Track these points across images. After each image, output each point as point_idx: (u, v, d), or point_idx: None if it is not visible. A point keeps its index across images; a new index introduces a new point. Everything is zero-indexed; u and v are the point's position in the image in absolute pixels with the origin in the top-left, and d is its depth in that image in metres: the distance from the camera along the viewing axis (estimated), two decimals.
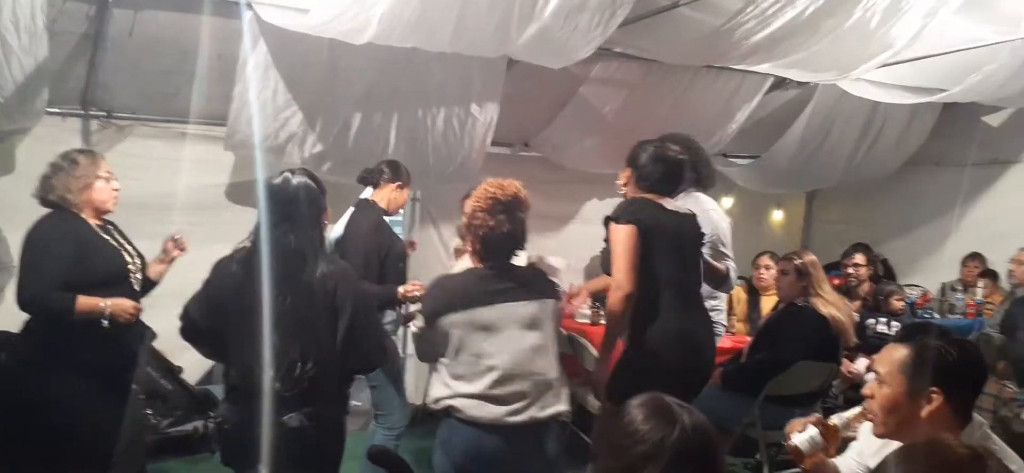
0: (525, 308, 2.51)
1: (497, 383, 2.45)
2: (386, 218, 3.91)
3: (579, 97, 5.18)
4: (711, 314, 3.45)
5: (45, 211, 2.94)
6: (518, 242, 2.57)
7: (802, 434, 1.96)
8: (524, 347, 2.49)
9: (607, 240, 2.99)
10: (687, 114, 5.09)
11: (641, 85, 5.04)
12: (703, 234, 3.15)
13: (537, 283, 2.61)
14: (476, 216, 2.52)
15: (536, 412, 2.48)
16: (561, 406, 2.56)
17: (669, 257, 2.91)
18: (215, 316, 2.44)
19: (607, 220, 2.93)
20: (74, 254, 2.83)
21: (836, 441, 1.97)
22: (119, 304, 2.86)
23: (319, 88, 4.17)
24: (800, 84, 5.36)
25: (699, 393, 3.05)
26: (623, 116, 5.20)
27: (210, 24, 3.73)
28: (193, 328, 2.51)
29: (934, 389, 1.75)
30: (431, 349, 2.59)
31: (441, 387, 2.52)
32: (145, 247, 3.30)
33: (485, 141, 4.81)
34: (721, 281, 3.49)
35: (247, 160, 4.50)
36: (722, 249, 3.56)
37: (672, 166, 3.04)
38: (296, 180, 2.45)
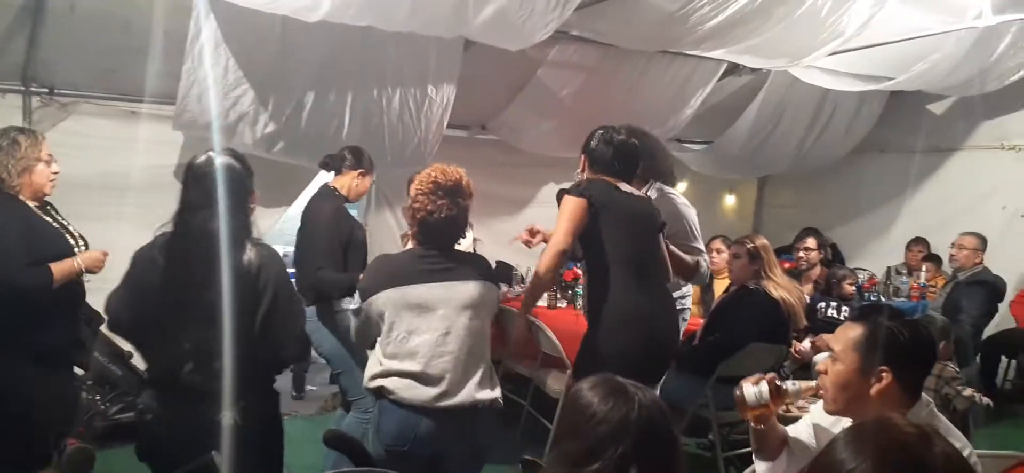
0: (461, 289, 2.49)
1: (428, 364, 2.43)
2: (347, 205, 3.86)
3: (536, 80, 5.17)
4: (678, 302, 3.51)
5: None
6: (459, 228, 2.57)
7: (752, 387, 2.00)
8: (458, 329, 2.46)
9: None
10: (643, 99, 5.13)
11: (598, 69, 5.05)
12: (662, 220, 3.12)
13: (476, 267, 2.60)
14: (417, 200, 2.51)
15: (467, 396, 2.46)
16: (494, 392, 2.55)
17: (624, 235, 2.91)
18: (138, 306, 2.32)
19: (561, 193, 2.95)
20: (27, 233, 2.75)
21: (780, 403, 2.02)
22: (88, 256, 2.85)
23: (271, 66, 4.08)
24: (753, 71, 5.45)
25: (661, 373, 3.10)
26: (580, 100, 5.21)
27: None
28: (117, 321, 2.41)
29: (884, 368, 1.80)
30: (366, 329, 2.55)
31: (374, 366, 2.49)
32: (92, 229, 3.20)
33: (441, 123, 4.77)
34: (691, 273, 3.47)
35: (197, 140, 4.39)
36: (694, 243, 3.56)
37: (624, 149, 3.03)
38: (220, 160, 2.31)
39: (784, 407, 2.12)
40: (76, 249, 2.91)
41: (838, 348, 1.88)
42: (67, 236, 2.92)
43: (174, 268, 2.27)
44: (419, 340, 2.44)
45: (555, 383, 4.45)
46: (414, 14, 3.39)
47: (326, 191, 3.81)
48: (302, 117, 4.34)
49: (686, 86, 5.30)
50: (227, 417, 2.23)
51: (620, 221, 2.91)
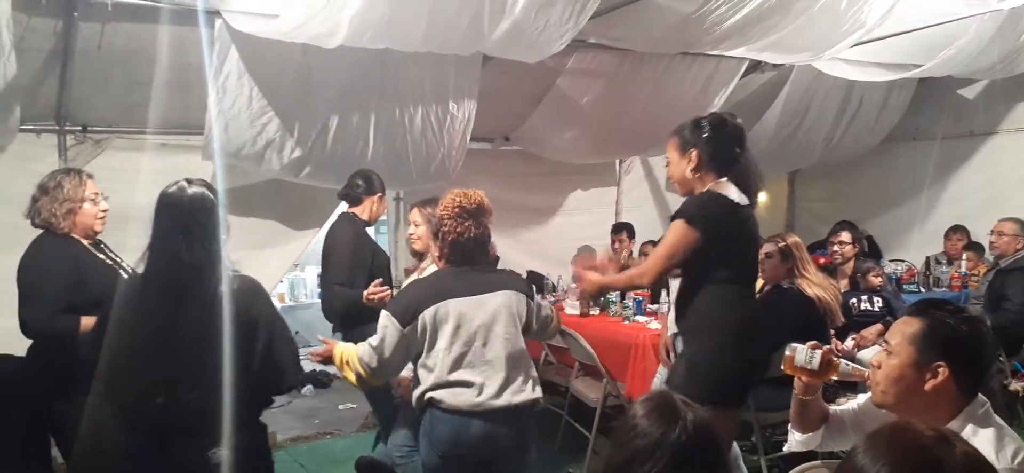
0: (495, 299, 2.63)
1: (473, 371, 2.56)
2: (368, 228, 3.96)
3: (556, 89, 5.18)
4: None
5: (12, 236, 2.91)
6: (484, 245, 2.71)
7: (806, 349, 2.00)
8: (496, 337, 2.60)
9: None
10: (665, 101, 5.11)
11: (617, 75, 5.04)
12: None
13: (506, 278, 2.77)
14: (445, 223, 2.66)
15: (511, 397, 2.58)
16: (536, 392, 2.68)
17: (737, 256, 2.72)
18: (107, 346, 2.22)
19: (675, 217, 2.71)
20: (71, 276, 2.79)
21: (828, 375, 2.01)
22: None
23: (295, 93, 4.14)
24: (776, 66, 5.39)
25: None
26: (601, 106, 5.21)
27: (180, 34, 3.69)
28: (90, 364, 2.30)
29: (941, 363, 1.75)
30: (405, 347, 2.59)
31: (420, 382, 2.61)
32: (130, 260, 3.27)
33: (464, 137, 4.80)
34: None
35: (226, 169, 4.47)
36: None
37: (739, 140, 2.77)
38: (192, 190, 2.24)
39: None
40: None
41: (894, 341, 1.84)
42: (121, 273, 2.97)
43: (153, 308, 2.19)
44: (461, 351, 2.56)
45: (591, 392, 4.44)
46: (430, 34, 3.42)
47: (346, 217, 3.92)
48: (327, 141, 4.40)
49: (708, 86, 5.26)
50: (210, 453, 2.16)
51: (734, 241, 2.70)
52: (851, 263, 5.27)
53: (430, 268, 3.15)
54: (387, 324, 2.57)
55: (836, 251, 5.35)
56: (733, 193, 2.70)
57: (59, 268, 2.79)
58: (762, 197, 7.65)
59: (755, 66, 5.37)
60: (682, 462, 1.41)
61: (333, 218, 4.19)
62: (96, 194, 2.95)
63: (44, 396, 2.84)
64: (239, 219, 4.89)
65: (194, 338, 2.16)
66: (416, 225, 3.38)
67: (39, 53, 3.81)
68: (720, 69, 5.18)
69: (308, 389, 5.89)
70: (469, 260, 2.67)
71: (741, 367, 2.74)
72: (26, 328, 2.77)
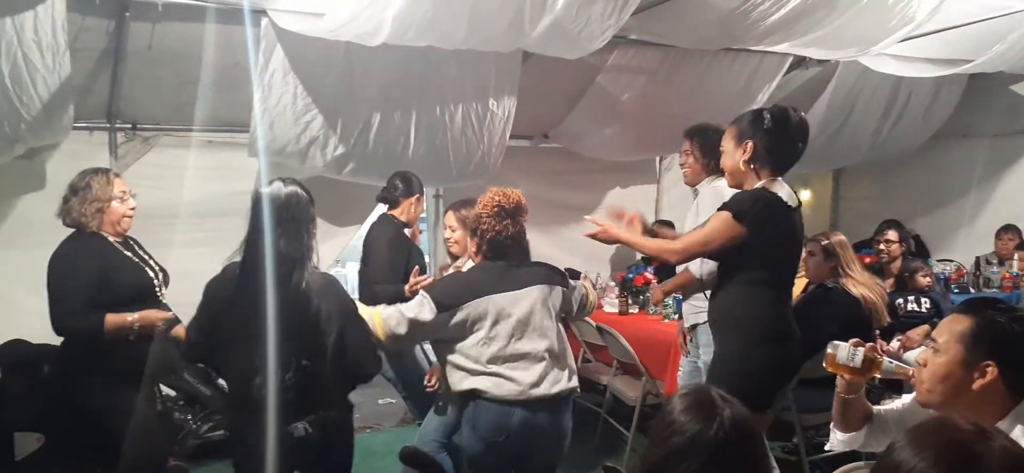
0: (533, 293, 2.73)
1: (512, 362, 2.66)
2: (407, 228, 4.08)
3: (597, 86, 5.16)
4: None
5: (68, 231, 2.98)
6: (519, 242, 2.81)
7: (848, 347, 1.96)
8: (535, 327, 2.71)
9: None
10: (706, 98, 5.06)
11: (659, 71, 5.01)
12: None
13: (541, 272, 2.84)
14: (484, 222, 2.77)
15: (549, 387, 2.69)
16: (573, 382, 2.79)
17: (781, 257, 2.68)
18: (212, 333, 2.48)
19: (723, 206, 2.65)
20: (99, 274, 2.86)
21: (871, 374, 1.98)
22: (146, 316, 2.90)
23: (338, 91, 4.20)
24: (821, 62, 5.30)
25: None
26: (642, 103, 5.17)
27: (227, 33, 3.77)
28: (196, 350, 2.61)
29: (990, 362, 1.71)
30: (423, 334, 2.78)
31: (461, 373, 2.70)
32: (175, 255, 3.35)
33: (504, 135, 4.81)
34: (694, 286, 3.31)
35: (271, 166, 4.55)
36: None
37: (801, 139, 2.67)
38: (287, 189, 2.46)
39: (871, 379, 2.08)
40: (156, 281, 3.02)
41: (942, 339, 1.80)
42: (148, 270, 3.04)
43: (242, 294, 2.40)
44: (501, 344, 2.66)
45: (630, 390, 4.43)
46: (472, 32, 3.43)
47: (384, 218, 4.05)
48: (370, 138, 4.44)
49: (751, 82, 5.19)
50: (301, 428, 2.38)
51: (779, 244, 2.65)
52: (898, 262, 5.17)
53: (466, 267, 3.18)
54: (424, 303, 2.66)
55: (882, 250, 5.25)
56: (785, 193, 2.64)
57: (87, 267, 2.85)
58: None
59: (799, 62, 5.29)
60: (721, 459, 1.40)
61: (373, 217, 4.28)
62: (124, 192, 3.00)
63: (71, 387, 2.92)
64: None
65: (285, 323, 2.34)
66: (452, 229, 3.45)
67: (92, 53, 3.92)
68: (763, 65, 5.11)
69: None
70: (506, 256, 2.77)
71: (769, 370, 2.69)
72: (54, 327, 2.84)
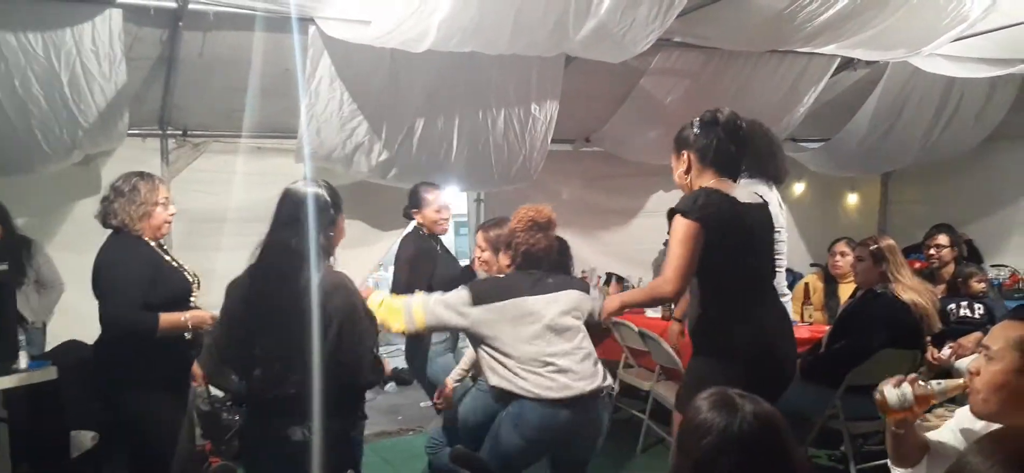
0: (562, 297, 2.92)
1: (553, 362, 2.80)
2: (436, 238, 4.27)
3: (639, 89, 5.14)
4: None
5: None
6: (550, 254, 3.03)
7: (894, 389, 1.89)
8: (569, 330, 2.88)
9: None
10: (751, 100, 4.99)
11: (703, 73, 4.97)
12: (774, 225, 2.86)
13: (568, 280, 3.08)
14: (519, 236, 3.01)
15: (587, 385, 2.83)
16: (607, 381, 2.94)
17: (742, 257, 2.57)
18: (232, 333, 2.52)
19: (671, 213, 2.60)
20: (149, 274, 2.92)
21: (925, 406, 1.90)
22: (197, 316, 2.97)
23: (383, 97, 4.25)
24: (869, 63, 5.20)
25: (776, 398, 2.92)
26: (685, 105, 5.12)
27: (275, 41, 3.84)
28: (223, 353, 2.66)
29: None
30: (450, 321, 2.90)
31: (503, 372, 2.83)
32: (223, 259, 3.41)
33: (546, 139, 4.82)
34: None
35: (318, 171, 4.61)
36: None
37: (735, 135, 2.64)
38: (309, 188, 2.49)
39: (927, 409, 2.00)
40: (192, 285, 3.07)
41: (995, 347, 1.75)
42: (185, 274, 3.10)
43: (254, 290, 2.44)
44: (540, 345, 2.81)
45: (673, 396, 4.39)
46: (516, 37, 3.45)
47: (410, 233, 4.28)
48: (413, 143, 4.49)
49: (797, 84, 5.11)
50: (301, 435, 2.36)
51: (740, 241, 2.55)
52: (949, 268, 5.04)
53: None
54: (463, 295, 2.87)
55: (933, 255, 5.13)
56: (739, 193, 2.59)
57: (139, 266, 2.90)
58: (853, 199, 7.44)
59: (847, 63, 5.20)
60: (752, 452, 1.38)
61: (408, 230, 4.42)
62: (166, 198, 3.06)
63: (116, 387, 2.96)
64: None
65: (286, 321, 2.36)
66: (481, 249, 3.53)
67: (146, 61, 4.02)
68: (810, 67, 5.03)
69: (391, 386, 6.02)
70: (538, 266, 2.99)
71: (742, 379, 2.52)
72: (109, 323, 2.88)
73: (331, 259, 2.50)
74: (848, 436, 3.86)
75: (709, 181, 2.61)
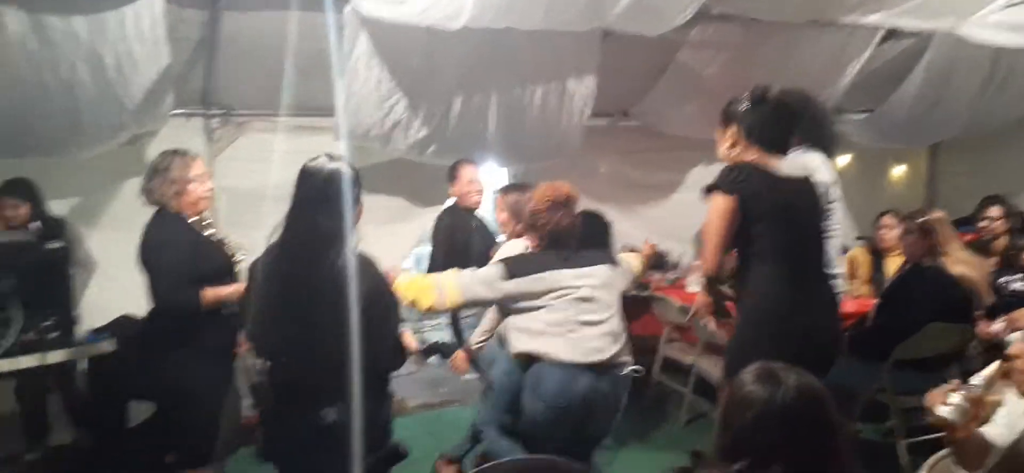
0: (589, 271, 2.95)
1: (578, 330, 2.85)
2: (472, 213, 4.42)
3: (677, 62, 5.07)
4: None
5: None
6: (574, 230, 3.03)
7: (949, 406, 1.84)
8: (599, 302, 2.92)
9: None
10: (793, 72, 4.89)
11: (742, 46, 4.87)
12: (821, 201, 2.81)
13: (596, 255, 3.07)
14: (540, 215, 3.03)
15: (610, 356, 2.88)
16: (629, 356, 2.98)
17: (780, 230, 2.58)
18: (257, 315, 2.41)
19: (708, 189, 2.64)
20: (190, 251, 3.00)
21: (985, 408, 1.86)
22: (240, 289, 3.02)
23: (420, 75, 4.25)
24: (914, 33, 5.04)
25: (825, 372, 2.88)
26: (724, 78, 5.04)
27: (313, 20, 3.86)
28: (252, 337, 2.52)
29: None
30: (481, 295, 2.94)
31: (525, 335, 2.91)
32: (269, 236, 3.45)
33: (583, 114, 4.78)
34: None
35: (356, 149, 4.66)
36: None
37: (782, 113, 2.69)
38: (331, 164, 2.36)
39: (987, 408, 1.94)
40: (234, 258, 3.14)
41: None
42: (225, 248, 3.16)
43: (280, 271, 2.34)
44: (568, 311, 2.87)
45: (716, 370, 4.37)
46: (552, 11, 3.43)
47: (447, 208, 4.44)
48: (450, 120, 4.49)
49: (840, 56, 4.99)
50: (334, 416, 2.30)
51: (777, 215, 2.57)
52: (1002, 240, 4.91)
53: (509, 246, 3.54)
54: (497, 272, 2.93)
55: (984, 227, 4.99)
56: (783, 167, 2.59)
57: (182, 243, 2.98)
58: (900, 171, 7.26)
59: (891, 33, 5.05)
60: (793, 424, 1.38)
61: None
62: (201, 174, 3.11)
63: (159, 357, 3.03)
64: (367, 197, 5.06)
65: (315, 304, 2.29)
66: (500, 210, 3.74)
67: (189, 42, 4.09)
68: (853, 38, 4.90)
69: (434, 359, 6.07)
70: (564, 243, 3.00)
71: (784, 351, 2.47)
72: (158, 300, 2.96)
73: (356, 238, 2.38)
74: (896, 410, 3.81)
75: (754, 157, 2.62)
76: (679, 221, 6.28)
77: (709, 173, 6.83)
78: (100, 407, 3.86)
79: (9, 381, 3.67)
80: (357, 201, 2.41)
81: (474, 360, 3.75)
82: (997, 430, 1.95)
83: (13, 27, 3.35)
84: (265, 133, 4.77)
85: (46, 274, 3.44)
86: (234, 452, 3.22)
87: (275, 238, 2.40)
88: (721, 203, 2.55)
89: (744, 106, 2.69)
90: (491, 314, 3.57)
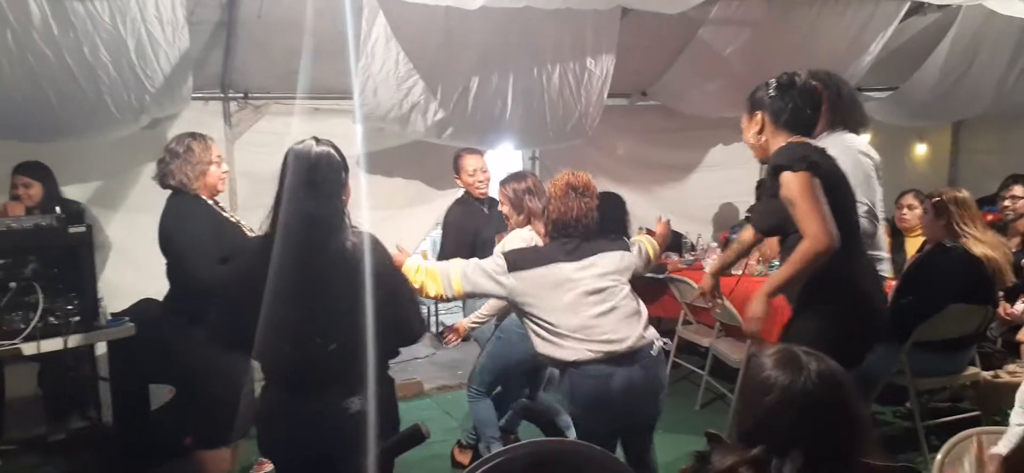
0: (601, 260, 2.84)
1: (595, 325, 2.73)
2: (485, 202, 4.41)
3: (697, 40, 5.03)
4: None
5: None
6: (590, 219, 2.90)
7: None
8: (610, 294, 2.79)
9: (763, 196, 2.76)
10: (815, 49, 4.84)
11: (764, 22, 4.82)
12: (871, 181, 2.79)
13: (604, 242, 2.91)
14: (550, 203, 2.93)
15: (638, 340, 2.77)
16: (655, 336, 2.86)
17: (841, 208, 2.52)
18: (243, 310, 2.21)
19: (776, 169, 2.52)
20: (214, 230, 3.03)
21: None
22: None
23: (438, 56, 4.24)
24: (940, 7, 4.97)
25: (868, 351, 2.81)
26: (745, 56, 5.00)
27: (331, 1, 3.86)
28: (217, 332, 2.39)
29: None
30: (484, 287, 2.86)
31: (546, 342, 2.81)
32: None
33: (601, 94, 4.75)
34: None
35: (374, 132, 4.68)
36: (861, 197, 2.96)
37: (813, 97, 2.65)
38: (318, 148, 2.25)
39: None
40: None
41: None
42: (243, 228, 3.19)
43: (279, 262, 2.19)
44: (580, 311, 2.75)
45: (733, 352, 4.37)
46: None
47: (458, 199, 4.47)
48: (468, 102, 4.48)
49: (863, 32, 4.92)
50: (358, 403, 2.24)
51: (839, 193, 2.53)
52: None
53: (510, 238, 3.49)
54: (499, 264, 2.83)
55: (1007, 207, 4.93)
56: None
57: (206, 223, 3.01)
58: (922, 150, 7.18)
59: (917, 8, 4.97)
60: (814, 410, 1.38)
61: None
62: (219, 157, 3.15)
63: (178, 339, 3.05)
64: (386, 180, 5.12)
65: (324, 292, 2.21)
66: (502, 203, 3.67)
67: (207, 25, 4.10)
68: (877, 13, 4.83)
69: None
70: (571, 233, 2.88)
71: (838, 334, 2.42)
72: (192, 279, 2.96)
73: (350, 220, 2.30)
74: (914, 392, 3.79)
75: (782, 143, 2.58)
76: (696, 201, 6.27)
77: (729, 153, 6.86)
78: (122, 390, 3.92)
79: (33, 365, 3.73)
80: (345, 184, 2.31)
81: (468, 337, 3.86)
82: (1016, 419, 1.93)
83: (36, 11, 3.37)
84: (284, 116, 4.80)
85: (68, 258, 3.48)
86: (249, 433, 3.25)
87: (268, 228, 2.27)
88: (801, 179, 2.42)
89: (771, 91, 2.64)
90: (493, 300, 3.57)
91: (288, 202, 2.21)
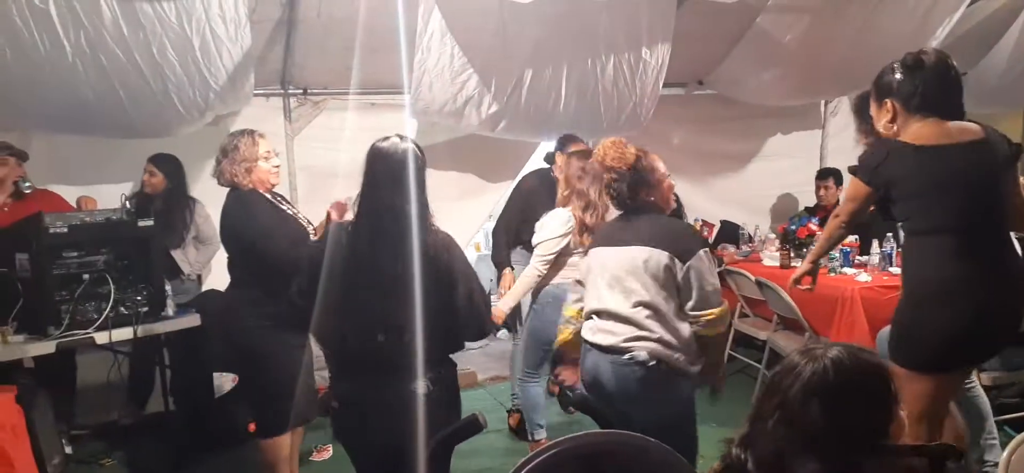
0: (630, 252, 2.64)
1: (603, 313, 2.70)
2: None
3: (756, 28, 4.94)
4: None
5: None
6: (637, 191, 2.72)
7: None
8: (625, 286, 2.63)
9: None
10: (877, 36, 4.71)
11: (824, 10, 4.71)
12: (1006, 156, 2.48)
13: (651, 233, 2.64)
14: (604, 172, 2.95)
15: (617, 342, 2.63)
16: (641, 351, 2.60)
17: (937, 201, 2.41)
18: (322, 295, 2.33)
19: (851, 170, 2.57)
20: (274, 220, 3.08)
21: None
22: None
23: (492, 50, 4.26)
24: None
25: (990, 354, 2.77)
26: (805, 44, 4.90)
27: None
28: (299, 314, 2.45)
29: None
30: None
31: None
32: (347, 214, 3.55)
33: (657, 84, 4.71)
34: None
35: (429, 125, 4.73)
36: None
37: (951, 79, 2.48)
38: (404, 144, 2.35)
39: None
40: (310, 230, 3.17)
41: None
42: (300, 221, 3.24)
43: (359, 246, 2.32)
44: (597, 293, 2.73)
45: (792, 346, 4.29)
46: None
47: (540, 169, 4.35)
48: (522, 95, 4.50)
49: (928, 18, 4.76)
50: (426, 386, 2.31)
51: (931, 188, 2.41)
52: None
53: (547, 217, 3.55)
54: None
55: None
56: (931, 135, 2.41)
57: (265, 212, 3.06)
58: None
59: None
60: (845, 403, 1.37)
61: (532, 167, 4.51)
62: (269, 152, 3.16)
63: (237, 329, 3.11)
64: (440, 173, 5.17)
65: (404, 284, 2.26)
66: (559, 171, 3.68)
67: (268, 23, 4.21)
68: None
69: (503, 333, 6.15)
70: (625, 206, 2.77)
71: (946, 331, 2.39)
72: (262, 265, 2.98)
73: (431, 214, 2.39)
74: (983, 388, 3.66)
75: (915, 126, 2.46)
76: (754, 192, 6.16)
77: (788, 142, 6.70)
78: (188, 379, 4.06)
79: (106, 352, 3.89)
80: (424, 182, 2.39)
81: (507, 322, 3.94)
82: None
83: (107, 12, 3.50)
84: (343, 112, 4.89)
85: (138, 251, 3.62)
86: (310, 421, 3.33)
87: (344, 222, 2.41)
88: (855, 187, 2.56)
89: (899, 75, 2.48)
90: (523, 282, 3.65)
91: (373, 196, 2.32)
